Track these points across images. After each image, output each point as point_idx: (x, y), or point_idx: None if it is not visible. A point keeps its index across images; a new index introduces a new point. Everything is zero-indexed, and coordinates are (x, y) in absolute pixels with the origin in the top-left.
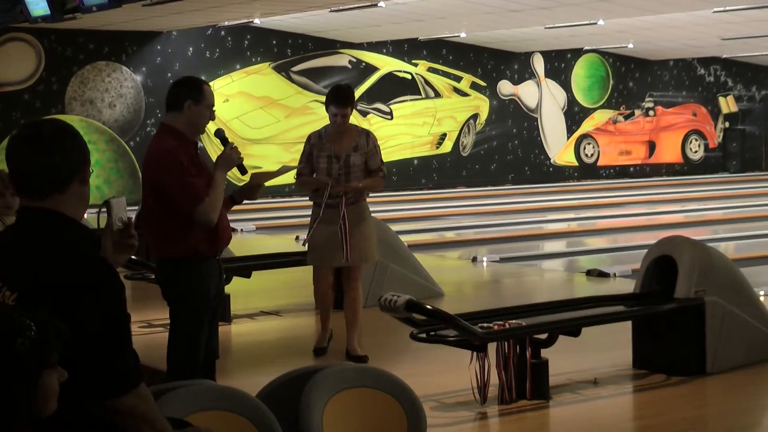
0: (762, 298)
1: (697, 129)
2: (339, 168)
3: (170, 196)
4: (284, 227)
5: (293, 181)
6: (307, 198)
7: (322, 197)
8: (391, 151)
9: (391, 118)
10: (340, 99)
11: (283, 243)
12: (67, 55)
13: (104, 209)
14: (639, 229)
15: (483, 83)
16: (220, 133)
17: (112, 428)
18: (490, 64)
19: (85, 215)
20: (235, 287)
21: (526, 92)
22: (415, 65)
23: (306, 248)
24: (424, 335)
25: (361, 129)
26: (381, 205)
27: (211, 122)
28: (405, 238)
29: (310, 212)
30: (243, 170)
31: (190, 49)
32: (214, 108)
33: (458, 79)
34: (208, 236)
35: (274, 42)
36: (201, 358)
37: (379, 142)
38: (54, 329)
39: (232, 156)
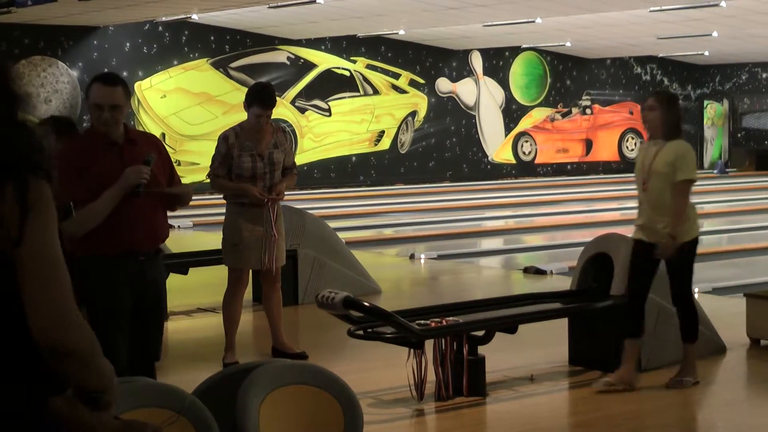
0: (696, 296)
1: (633, 127)
2: (264, 166)
3: None
4: (221, 224)
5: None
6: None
7: (245, 198)
8: (329, 148)
9: (330, 115)
10: (266, 100)
11: (219, 239)
12: (1, 50)
13: None
14: (576, 226)
15: (421, 80)
16: (147, 161)
17: None
18: (428, 61)
19: None
20: (172, 284)
21: (465, 90)
22: (354, 62)
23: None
24: (361, 332)
25: (276, 126)
26: (319, 202)
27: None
28: (343, 235)
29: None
30: (136, 194)
31: (127, 44)
32: (106, 107)
33: (396, 76)
34: (105, 236)
35: (212, 38)
36: (119, 356)
37: (317, 139)
38: None
39: (128, 175)
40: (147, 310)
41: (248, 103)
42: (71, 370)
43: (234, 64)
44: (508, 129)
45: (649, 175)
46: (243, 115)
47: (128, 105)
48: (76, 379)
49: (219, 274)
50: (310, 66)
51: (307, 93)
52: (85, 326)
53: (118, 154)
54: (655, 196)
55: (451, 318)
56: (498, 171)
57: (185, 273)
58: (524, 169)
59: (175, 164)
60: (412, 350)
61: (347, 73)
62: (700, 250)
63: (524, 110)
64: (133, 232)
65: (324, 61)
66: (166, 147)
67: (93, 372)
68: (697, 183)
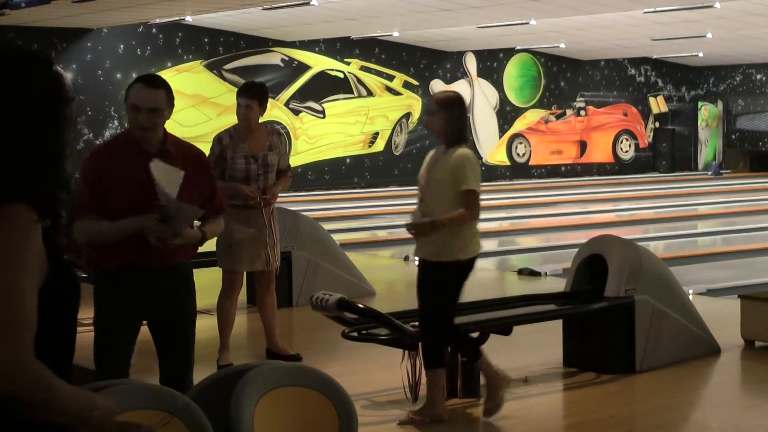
0: (691, 297)
1: (627, 129)
2: (258, 168)
3: None
4: None
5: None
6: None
7: (239, 200)
8: (323, 150)
9: (324, 117)
10: (246, 90)
11: (213, 241)
12: None
13: None
14: (570, 228)
15: (415, 82)
16: (166, 215)
17: None
18: (422, 63)
19: None
20: None
21: (459, 91)
22: (348, 64)
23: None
24: (355, 334)
25: (271, 128)
26: (313, 204)
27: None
28: (337, 237)
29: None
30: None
31: (121, 46)
32: (144, 109)
33: (391, 78)
34: (106, 251)
35: (206, 40)
36: (118, 355)
37: (311, 141)
38: None
39: (143, 226)
40: (163, 328)
41: (237, 100)
42: (30, 411)
43: (228, 66)
44: (502, 131)
45: (427, 185)
46: (236, 117)
47: (170, 110)
48: (40, 418)
49: (213, 276)
50: (304, 68)
51: (301, 95)
52: (37, 371)
53: (144, 165)
54: (432, 208)
55: None
56: (492, 173)
57: None
58: (518, 170)
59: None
60: (406, 352)
61: (341, 75)
62: (694, 251)
63: (518, 112)
64: (135, 253)
65: (318, 62)
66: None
67: (56, 413)
68: (688, 185)
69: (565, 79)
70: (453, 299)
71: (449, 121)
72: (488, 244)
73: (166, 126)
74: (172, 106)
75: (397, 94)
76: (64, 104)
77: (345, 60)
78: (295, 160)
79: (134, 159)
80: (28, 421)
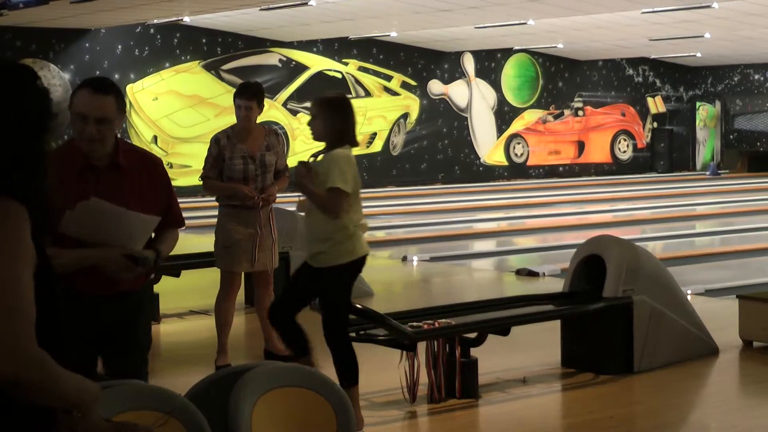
0: (689, 298)
1: (625, 129)
2: (256, 168)
3: None
4: (213, 226)
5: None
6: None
7: (237, 200)
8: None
9: None
10: (244, 91)
11: (212, 242)
12: None
13: None
14: (568, 228)
15: (413, 82)
16: (141, 260)
17: None
18: (420, 63)
19: None
20: (165, 286)
21: (457, 92)
22: (346, 64)
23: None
24: (353, 334)
25: (269, 128)
26: None
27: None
28: None
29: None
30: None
31: (119, 46)
32: (92, 119)
33: (388, 78)
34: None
35: (204, 40)
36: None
37: (309, 141)
38: None
39: (106, 263)
40: (114, 359)
41: (234, 101)
42: (29, 398)
43: (226, 67)
44: (500, 131)
45: None
46: (234, 118)
47: (121, 119)
48: (36, 403)
49: (211, 276)
50: (301, 68)
51: (299, 95)
52: (40, 356)
53: (92, 183)
54: (310, 215)
55: (443, 320)
56: (490, 173)
57: (177, 276)
58: (516, 171)
59: (167, 166)
60: (404, 352)
61: (339, 75)
62: (692, 251)
63: (516, 112)
64: (83, 280)
65: (316, 63)
66: (159, 150)
67: (56, 398)
68: (686, 185)
69: (563, 79)
70: (347, 303)
71: (329, 123)
72: (486, 245)
73: (166, 127)
74: (124, 112)
75: (395, 94)
76: (45, 116)
77: (343, 60)
78: (292, 161)
79: (79, 177)
80: (21, 408)
